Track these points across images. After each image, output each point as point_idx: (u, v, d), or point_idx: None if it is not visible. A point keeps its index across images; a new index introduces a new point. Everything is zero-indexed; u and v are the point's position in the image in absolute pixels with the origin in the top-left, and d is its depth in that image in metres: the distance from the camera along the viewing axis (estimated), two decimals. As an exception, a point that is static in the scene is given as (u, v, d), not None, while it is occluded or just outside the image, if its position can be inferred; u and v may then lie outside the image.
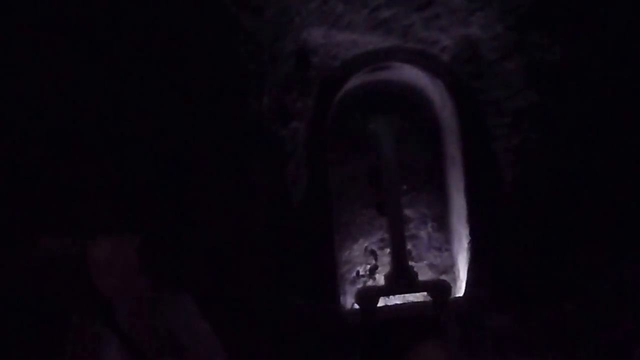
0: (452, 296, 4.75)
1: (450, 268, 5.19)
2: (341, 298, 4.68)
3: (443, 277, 5.15)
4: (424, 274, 5.04)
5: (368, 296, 4.71)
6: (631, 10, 3.83)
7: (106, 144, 3.77)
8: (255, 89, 3.73)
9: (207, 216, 3.90)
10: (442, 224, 5.24)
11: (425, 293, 4.81)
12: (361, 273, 5.15)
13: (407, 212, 5.13)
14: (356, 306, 4.80)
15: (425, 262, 5.22)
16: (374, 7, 4.09)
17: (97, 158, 3.77)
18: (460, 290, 4.88)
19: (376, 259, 5.18)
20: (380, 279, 5.12)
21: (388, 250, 5.14)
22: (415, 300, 4.97)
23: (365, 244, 5.18)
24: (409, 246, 5.01)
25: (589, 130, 4.12)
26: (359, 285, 5.09)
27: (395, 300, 4.96)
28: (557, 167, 4.24)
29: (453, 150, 4.86)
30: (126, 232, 3.25)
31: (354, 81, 4.77)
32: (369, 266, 5.18)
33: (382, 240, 5.19)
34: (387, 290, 4.78)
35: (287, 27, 3.87)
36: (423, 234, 5.24)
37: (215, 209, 3.89)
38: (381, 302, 4.73)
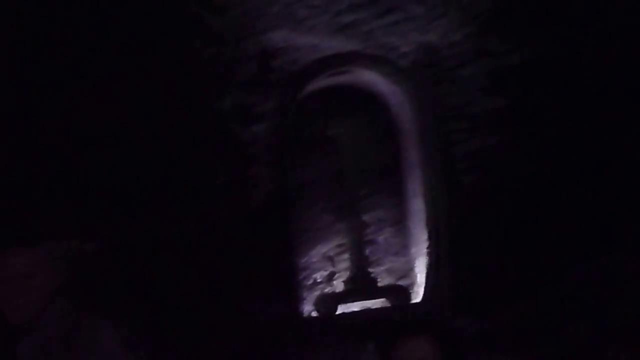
0: (411, 301, 4.79)
1: (409, 273, 5.25)
2: (299, 305, 4.62)
3: (401, 281, 5.20)
4: (383, 279, 5.07)
5: (327, 303, 4.70)
6: (586, 16, 3.99)
7: (51, 143, 3.61)
8: (218, 90, 3.65)
9: (162, 219, 3.79)
10: (400, 229, 5.29)
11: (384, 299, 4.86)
12: (319, 279, 5.13)
13: (365, 217, 5.15)
14: (315, 313, 4.78)
15: (383, 267, 5.25)
16: (336, 12, 4.11)
17: (43, 157, 3.61)
18: (419, 294, 4.93)
19: (334, 265, 5.17)
20: (338, 285, 5.12)
21: (346, 256, 5.15)
22: (373, 305, 4.99)
23: (324, 250, 5.16)
24: (367, 251, 5.03)
25: (547, 135, 4.27)
26: (317, 292, 5.07)
27: (354, 306, 4.97)
28: (516, 171, 4.37)
29: (411, 154, 4.93)
30: (54, 239, 3.09)
31: (314, 85, 4.75)
32: (326, 272, 5.16)
33: (339, 246, 5.19)
34: (346, 297, 4.78)
35: (250, 29, 3.83)
36: (381, 239, 5.28)
37: (172, 211, 3.79)
38: (340, 309, 4.73)
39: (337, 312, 4.68)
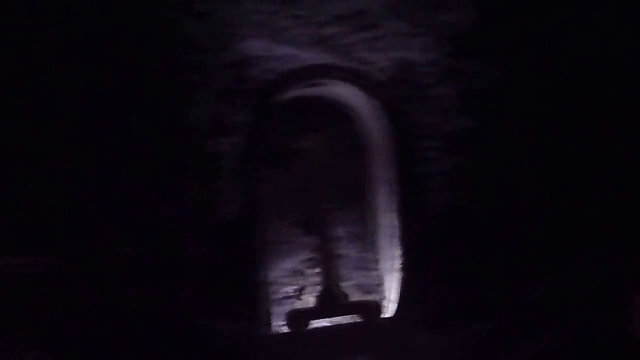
0: (381, 316, 4.77)
1: (377, 288, 5.24)
2: (268, 320, 4.51)
3: (370, 297, 5.17)
4: (351, 294, 5.03)
5: (298, 318, 4.61)
6: (554, 45, 4.14)
7: (19, 152, 3.39)
8: (196, 99, 3.53)
9: (124, 233, 3.62)
10: (369, 243, 5.28)
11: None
12: (289, 293, 5.04)
13: (335, 231, 5.11)
14: (285, 328, 4.68)
15: (352, 282, 5.22)
16: (319, 24, 4.07)
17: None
18: (388, 310, 4.92)
19: (304, 279, 5.10)
20: (308, 300, 5.05)
21: (316, 270, 5.09)
22: (343, 320, 4.94)
23: (293, 264, 5.08)
24: (337, 266, 4.98)
25: (519, 155, 4.37)
26: (286, 307, 4.97)
27: (324, 322, 4.90)
28: (486, 191, 4.44)
29: (384, 170, 4.93)
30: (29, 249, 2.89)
31: (288, 95, 4.69)
32: (296, 286, 5.08)
33: (309, 259, 5.13)
34: (318, 313, 4.71)
35: (230, 36, 3.73)
36: (351, 253, 5.25)
37: (135, 225, 3.62)
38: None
39: (307, 328, 4.59)
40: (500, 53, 4.18)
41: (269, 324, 4.44)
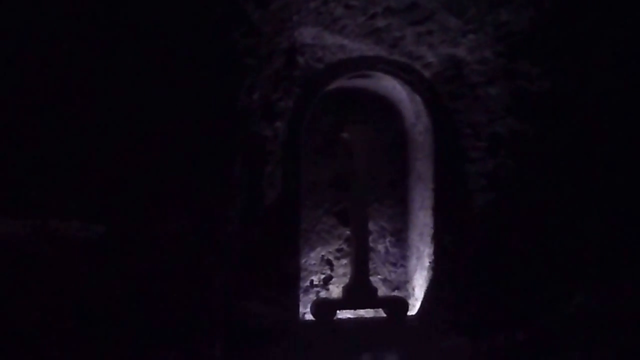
0: (407, 314, 4.78)
1: (404, 284, 5.24)
2: (299, 308, 4.55)
3: (396, 293, 5.18)
4: (378, 289, 5.03)
5: (325, 308, 4.64)
6: (621, 49, 4.02)
7: (74, 127, 3.45)
8: (248, 84, 3.54)
9: (177, 209, 3.67)
10: (400, 239, 5.27)
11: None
12: (315, 282, 5.07)
13: (368, 224, 5.10)
14: (309, 317, 4.72)
15: (379, 276, 5.22)
16: (371, 15, 4.04)
17: (66, 142, 3.45)
18: (413, 308, 4.93)
19: (332, 269, 5.12)
20: (334, 290, 5.07)
21: (344, 261, 5.11)
22: (368, 314, 4.97)
23: (322, 253, 5.11)
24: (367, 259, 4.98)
25: (565, 163, 4.30)
26: (312, 295, 5.01)
27: (348, 313, 4.93)
28: (529, 197, 4.39)
29: (422, 167, 4.91)
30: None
31: (333, 85, 4.69)
32: (323, 276, 5.11)
33: (339, 250, 5.15)
34: (345, 304, 4.73)
35: (285, 23, 3.72)
36: (381, 247, 5.25)
37: (187, 202, 3.66)
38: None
39: (334, 318, 4.62)
40: (556, 55, 4.09)
41: (300, 311, 4.48)
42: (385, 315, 4.79)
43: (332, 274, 5.12)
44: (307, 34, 4.08)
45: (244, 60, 3.42)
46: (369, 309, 4.90)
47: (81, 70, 3.15)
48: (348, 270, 5.01)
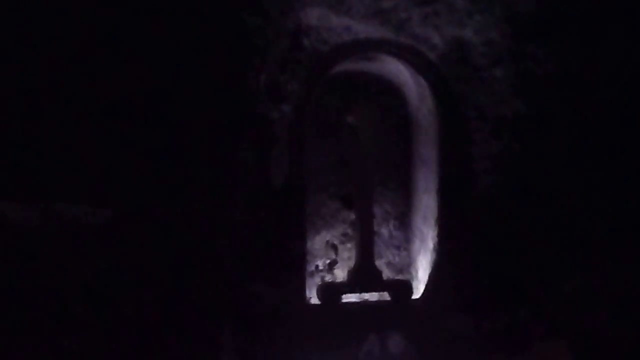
0: (412, 297, 4.81)
1: (407, 267, 5.27)
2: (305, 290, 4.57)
3: (400, 276, 5.21)
4: (382, 272, 5.04)
5: (330, 292, 4.66)
6: (631, 31, 4.01)
7: (79, 110, 3.43)
8: (256, 65, 3.51)
9: (185, 192, 3.66)
10: (403, 223, 5.29)
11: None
12: (320, 267, 5.08)
13: (372, 207, 5.10)
14: (315, 300, 4.74)
15: (383, 259, 5.24)
16: (378, -5, 4.00)
17: (68, 124, 3.43)
18: (417, 290, 4.95)
19: (337, 254, 5.13)
20: (338, 274, 5.09)
21: (349, 245, 5.13)
22: (372, 298, 5.00)
23: (327, 237, 5.12)
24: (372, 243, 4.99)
25: (571, 146, 4.31)
26: (317, 279, 5.03)
27: (352, 297, 4.95)
28: (533, 179, 4.41)
29: (426, 150, 4.91)
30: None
31: (338, 68, 4.66)
32: (328, 260, 5.12)
33: (344, 234, 5.16)
34: (350, 287, 4.75)
35: (292, 3, 3.69)
36: (384, 231, 5.27)
37: (195, 185, 3.66)
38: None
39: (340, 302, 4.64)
40: (563, 37, 4.08)
41: (306, 294, 4.50)
42: (389, 298, 4.79)
43: (337, 258, 5.13)
44: (312, 14, 4.05)
45: (252, 41, 3.39)
46: (373, 293, 4.90)
47: (83, 52, 3.12)
48: (353, 254, 5.02)
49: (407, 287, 4.80)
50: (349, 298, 4.89)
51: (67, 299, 3.41)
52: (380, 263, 5.13)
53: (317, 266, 5.07)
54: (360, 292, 4.84)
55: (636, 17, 4.00)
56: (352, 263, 4.95)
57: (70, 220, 3.48)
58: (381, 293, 4.92)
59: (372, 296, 4.99)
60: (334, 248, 5.13)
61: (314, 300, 4.74)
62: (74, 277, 3.42)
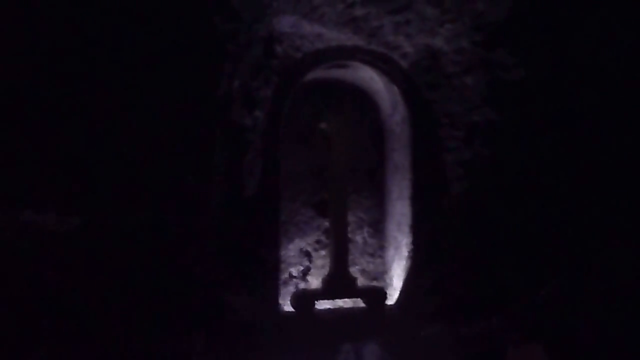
0: (386, 303, 4.85)
1: (382, 275, 5.31)
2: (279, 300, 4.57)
3: (374, 283, 5.25)
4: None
5: (304, 299, 4.67)
6: (597, 38, 4.13)
7: (47, 115, 3.40)
8: (229, 71, 3.53)
9: (155, 199, 3.65)
10: (378, 230, 5.34)
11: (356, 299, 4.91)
12: (294, 274, 5.10)
13: (345, 215, 5.14)
14: (289, 308, 4.74)
15: (357, 267, 5.28)
16: (350, 3, 4.08)
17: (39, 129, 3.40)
18: (392, 297, 4.99)
19: (311, 261, 5.15)
20: (312, 282, 5.11)
21: (323, 252, 5.15)
22: (346, 305, 5.02)
23: (301, 245, 5.14)
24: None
25: (541, 152, 4.41)
26: (291, 287, 5.04)
27: (327, 304, 4.97)
28: (505, 185, 4.50)
29: (399, 157, 4.98)
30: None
31: (311, 76, 4.71)
32: (302, 268, 5.14)
33: (318, 242, 5.19)
34: (324, 294, 4.77)
35: (265, 10, 3.73)
36: (358, 238, 5.31)
37: (166, 192, 3.65)
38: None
39: (314, 309, 4.66)
40: (532, 45, 4.19)
41: (277, 303, 4.50)
42: (364, 305, 4.83)
43: (311, 266, 5.15)
44: (285, 22, 4.10)
45: (225, 47, 3.41)
46: (347, 299, 4.94)
47: (51, 57, 3.10)
48: (327, 261, 5.06)
49: (382, 294, 4.84)
50: (323, 305, 4.92)
51: (34, 307, 3.36)
52: (354, 270, 5.18)
53: (291, 274, 5.08)
54: (333, 299, 4.87)
55: (603, 24, 4.12)
56: (326, 270, 5.00)
57: (37, 228, 3.42)
58: (355, 300, 4.97)
59: (346, 303, 5.03)
60: (308, 255, 5.15)
61: (288, 308, 4.74)
62: (41, 285, 3.36)
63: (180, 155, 3.65)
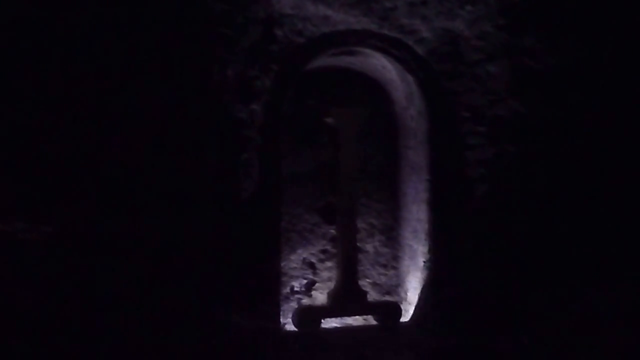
0: (401, 320, 4.64)
1: (396, 288, 5.09)
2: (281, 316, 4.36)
3: (387, 297, 5.04)
4: (367, 294, 4.86)
5: (309, 317, 4.46)
6: (630, 25, 3.95)
7: (17, 115, 3.21)
8: (222, 57, 3.32)
9: (139, 203, 3.44)
10: (391, 238, 5.13)
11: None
12: (297, 288, 4.88)
13: (355, 221, 4.93)
14: (291, 327, 4.53)
15: (368, 280, 5.07)
16: (360, -19, 3.86)
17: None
18: (407, 313, 4.78)
19: (315, 273, 4.94)
20: (317, 297, 4.90)
21: (329, 263, 4.94)
22: (356, 322, 4.81)
23: (304, 255, 4.93)
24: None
25: (573, 150, 4.21)
26: (294, 303, 4.82)
27: (335, 321, 4.76)
28: (532, 186, 4.30)
29: (415, 156, 4.77)
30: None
31: (315, 64, 4.50)
32: (305, 281, 4.93)
33: (323, 251, 4.98)
34: (331, 311, 4.58)
35: (263, -13, 3.52)
36: (369, 247, 5.10)
37: (151, 195, 3.44)
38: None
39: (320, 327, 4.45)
40: (563, 30, 4.00)
41: (282, 320, 4.29)
42: (375, 322, 4.63)
43: (316, 279, 4.95)
44: (286, 2, 3.93)
45: (218, 29, 3.19)
46: (357, 316, 4.74)
47: (25, 48, 2.89)
48: (333, 273, 4.86)
49: (395, 309, 4.64)
50: (330, 323, 4.70)
51: (3, 317, 3.17)
52: (364, 283, 4.98)
53: (292, 288, 4.87)
54: (342, 316, 4.66)
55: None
56: (332, 284, 4.78)
57: (7, 238, 3.25)
58: (366, 317, 4.77)
59: (356, 321, 4.82)
60: (312, 267, 4.94)
61: (290, 326, 4.52)
62: (9, 296, 3.17)
63: (167, 154, 3.43)
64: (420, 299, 4.66)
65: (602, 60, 4.09)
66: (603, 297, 4.48)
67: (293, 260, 4.87)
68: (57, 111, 3.25)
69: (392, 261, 5.13)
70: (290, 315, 4.57)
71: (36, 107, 3.23)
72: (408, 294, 4.90)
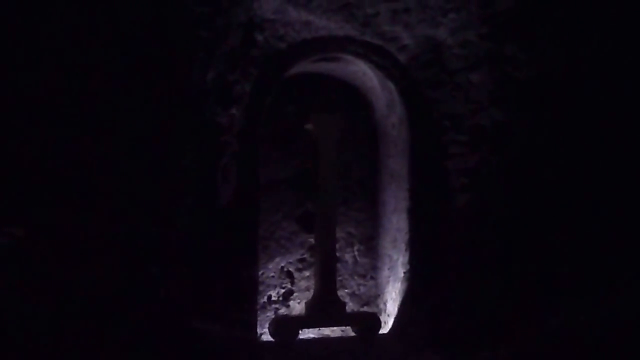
0: (379, 331, 4.72)
1: (374, 299, 5.17)
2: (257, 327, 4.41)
3: (366, 308, 5.12)
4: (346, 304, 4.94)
5: (285, 327, 4.51)
6: (616, 32, 4.07)
7: None
8: (202, 61, 3.39)
9: (114, 208, 3.48)
10: (370, 247, 5.21)
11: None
12: (274, 298, 4.94)
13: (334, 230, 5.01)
14: (267, 337, 4.59)
15: (346, 290, 5.14)
16: (343, -13, 3.96)
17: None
18: (386, 325, 4.86)
19: (293, 283, 5.00)
20: (295, 307, 4.96)
21: (307, 272, 5.01)
22: (333, 333, 4.88)
23: (282, 264, 4.99)
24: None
25: (556, 159, 4.32)
26: (270, 313, 4.88)
27: (310, 332, 4.82)
28: (515, 197, 4.39)
29: (395, 164, 4.86)
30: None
31: (296, 69, 4.59)
32: (283, 290, 4.99)
33: (301, 260, 5.05)
34: (309, 321, 4.63)
35: (244, -8, 3.61)
36: (348, 257, 5.18)
37: (126, 200, 3.48)
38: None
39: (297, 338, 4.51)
40: (545, 39, 4.11)
41: (258, 331, 4.34)
42: (354, 334, 4.69)
43: (293, 288, 5.01)
44: (267, 6, 3.98)
45: (197, 32, 3.26)
46: (335, 327, 4.82)
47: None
48: (311, 283, 4.92)
49: (374, 321, 4.71)
50: (307, 334, 4.76)
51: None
52: (343, 294, 5.04)
53: (270, 297, 4.93)
54: (319, 327, 4.73)
55: (627, 15, 4.06)
56: (310, 294, 4.84)
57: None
58: (344, 328, 4.85)
59: (333, 332, 4.89)
60: (290, 276, 5.00)
61: (267, 337, 4.58)
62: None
63: (142, 158, 3.48)
64: (399, 310, 4.75)
65: (584, 70, 4.20)
66: (585, 309, 4.59)
67: (270, 269, 4.93)
68: (29, 113, 3.27)
69: (371, 271, 5.21)
70: (266, 325, 4.62)
71: (6, 108, 3.25)
72: (387, 305, 4.98)
